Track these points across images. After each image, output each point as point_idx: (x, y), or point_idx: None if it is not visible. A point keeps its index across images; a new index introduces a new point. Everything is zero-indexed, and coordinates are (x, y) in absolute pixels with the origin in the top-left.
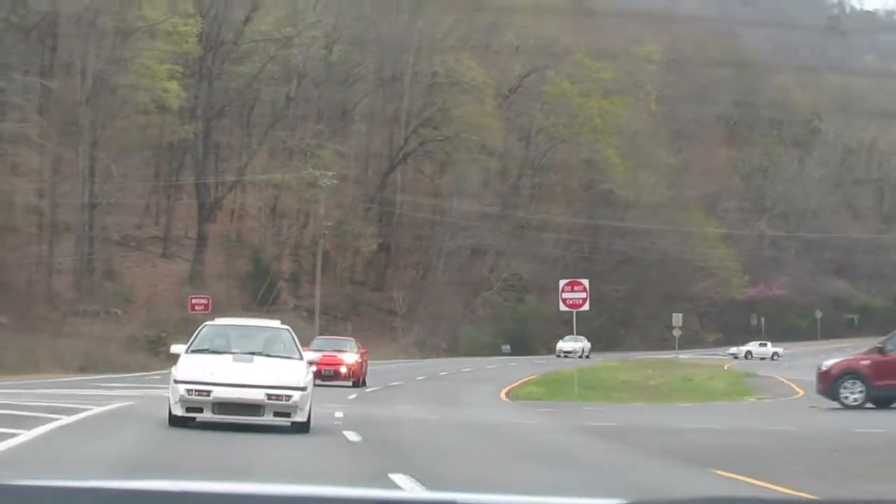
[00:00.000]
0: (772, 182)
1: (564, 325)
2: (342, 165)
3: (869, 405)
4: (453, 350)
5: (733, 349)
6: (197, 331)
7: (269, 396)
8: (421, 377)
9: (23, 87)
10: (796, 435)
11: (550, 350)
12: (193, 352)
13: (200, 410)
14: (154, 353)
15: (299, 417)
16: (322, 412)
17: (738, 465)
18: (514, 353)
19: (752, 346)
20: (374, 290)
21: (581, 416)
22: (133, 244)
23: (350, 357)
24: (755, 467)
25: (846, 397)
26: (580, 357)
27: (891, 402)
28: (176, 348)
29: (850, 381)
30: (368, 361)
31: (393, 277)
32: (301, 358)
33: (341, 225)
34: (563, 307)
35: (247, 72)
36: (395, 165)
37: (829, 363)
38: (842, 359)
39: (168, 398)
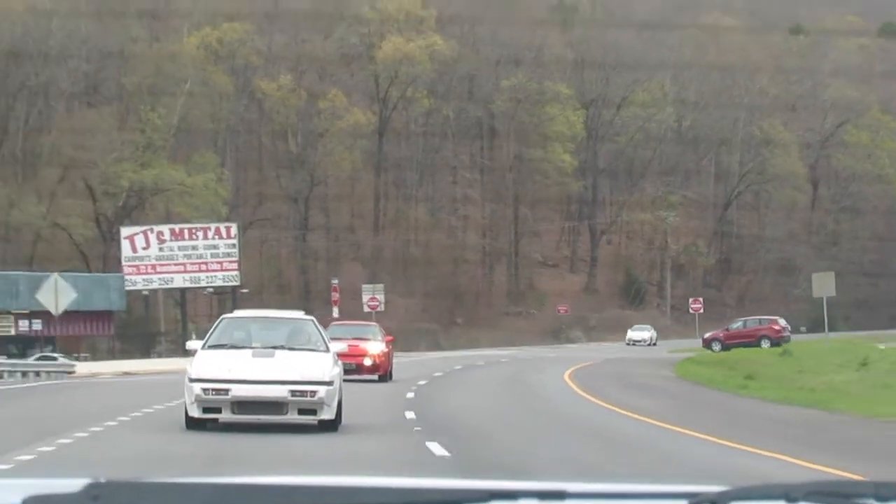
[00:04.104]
0: None
1: (858, 310)
2: (693, 199)
3: (722, 352)
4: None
5: None
6: (214, 324)
7: (293, 393)
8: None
9: (471, 164)
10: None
11: (847, 328)
12: (210, 347)
13: (219, 411)
14: (556, 338)
15: (326, 415)
16: None
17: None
18: (810, 331)
19: None
20: (716, 290)
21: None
22: (550, 263)
23: (375, 346)
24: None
25: (713, 348)
26: (649, 345)
27: (730, 349)
28: (192, 344)
29: (715, 341)
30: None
31: (730, 281)
32: (327, 350)
33: (689, 246)
34: (691, 311)
35: (621, 140)
36: (731, 201)
37: (707, 335)
38: (713, 332)
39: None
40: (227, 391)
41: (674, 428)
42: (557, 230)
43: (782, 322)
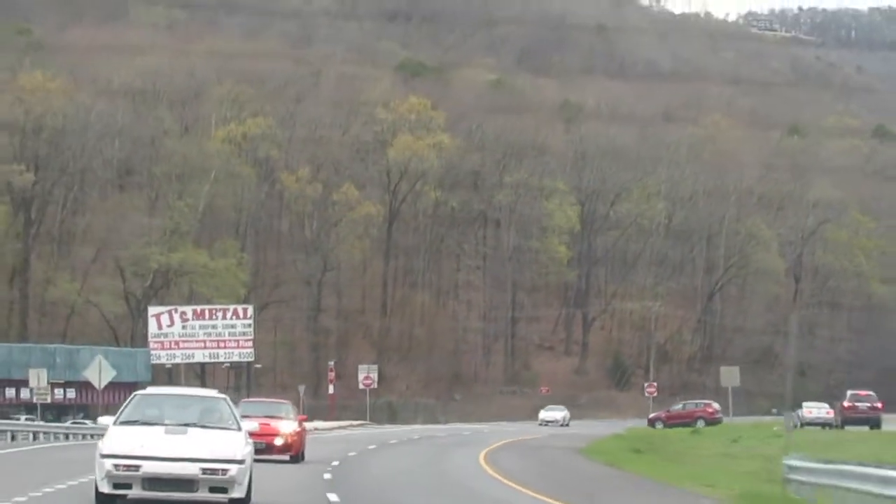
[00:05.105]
0: None
1: (831, 397)
2: (679, 290)
3: (663, 429)
4: (744, 413)
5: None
6: (127, 400)
7: (204, 471)
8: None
9: (474, 253)
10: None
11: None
12: (122, 423)
13: (130, 487)
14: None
15: (237, 493)
16: None
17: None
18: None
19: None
20: (699, 374)
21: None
22: (546, 345)
23: (287, 425)
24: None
25: (657, 426)
26: (561, 425)
27: (674, 427)
28: (104, 420)
29: (658, 421)
30: (306, 430)
31: (710, 366)
32: (239, 429)
33: (674, 334)
34: (646, 395)
35: (615, 233)
36: (714, 292)
37: (651, 415)
38: (657, 413)
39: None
40: (138, 467)
41: (502, 479)
42: (554, 315)
43: (716, 405)
